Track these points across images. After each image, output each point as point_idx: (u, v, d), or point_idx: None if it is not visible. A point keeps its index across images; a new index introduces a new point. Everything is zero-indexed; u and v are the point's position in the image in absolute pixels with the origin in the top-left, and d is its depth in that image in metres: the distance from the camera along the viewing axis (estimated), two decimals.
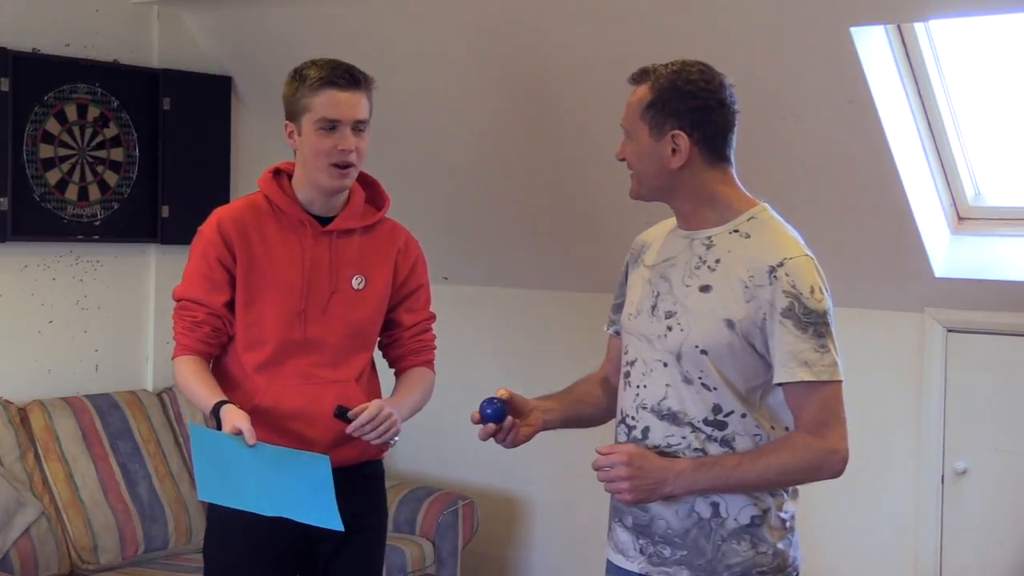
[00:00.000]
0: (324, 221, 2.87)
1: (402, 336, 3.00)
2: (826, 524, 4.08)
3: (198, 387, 2.80)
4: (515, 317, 5.00)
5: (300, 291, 2.83)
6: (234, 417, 2.67)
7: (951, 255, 3.92)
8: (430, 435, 5.14)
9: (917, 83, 3.74)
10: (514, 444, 2.54)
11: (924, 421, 4.02)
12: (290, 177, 2.91)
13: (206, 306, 2.84)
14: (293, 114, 2.84)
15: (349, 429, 2.73)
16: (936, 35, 3.68)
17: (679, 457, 2.38)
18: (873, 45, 3.54)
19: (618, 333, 2.64)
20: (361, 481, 2.92)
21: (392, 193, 3.02)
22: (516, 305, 4.99)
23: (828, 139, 3.74)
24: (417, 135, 4.56)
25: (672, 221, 2.54)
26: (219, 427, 2.71)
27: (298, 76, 2.83)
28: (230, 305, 2.85)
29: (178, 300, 2.90)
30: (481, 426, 2.53)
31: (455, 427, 5.06)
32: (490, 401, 2.53)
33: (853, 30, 3.41)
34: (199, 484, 2.71)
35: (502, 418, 2.51)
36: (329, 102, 2.77)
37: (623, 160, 2.46)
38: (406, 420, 2.87)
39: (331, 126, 2.78)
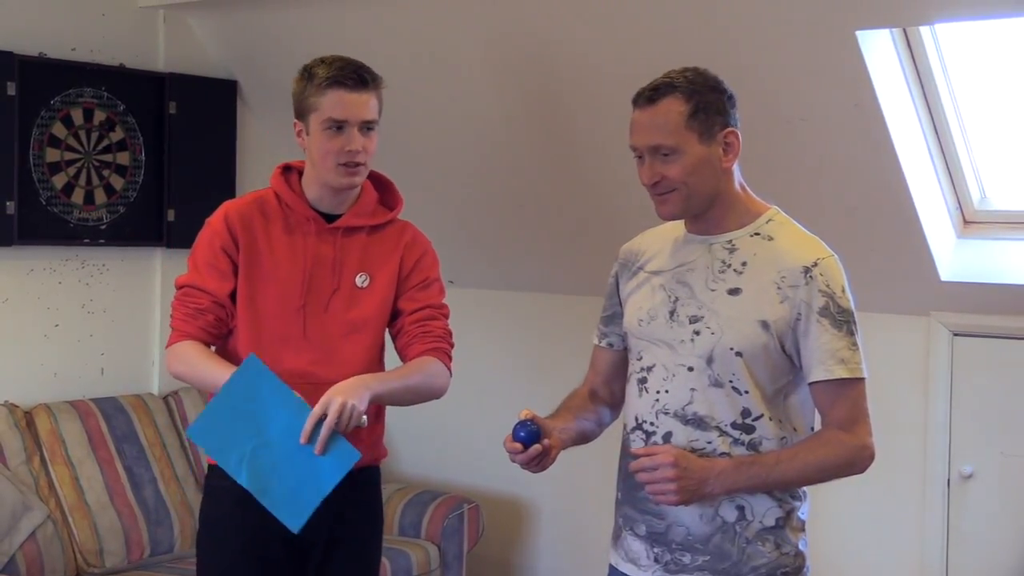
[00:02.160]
0: (332, 219, 2.85)
1: (404, 323, 2.88)
2: (832, 527, 4.07)
3: (210, 364, 2.74)
4: (522, 321, 5.00)
5: (301, 287, 2.79)
6: None
7: (957, 259, 3.92)
8: (435, 439, 5.14)
9: (923, 87, 3.74)
10: (544, 468, 2.45)
11: (930, 425, 4.02)
12: (300, 174, 2.88)
13: (211, 294, 2.78)
14: (301, 112, 2.80)
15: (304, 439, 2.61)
16: (942, 39, 3.68)
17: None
18: (879, 49, 3.54)
19: (611, 345, 2.63)
20: (357, 489, 2.83)
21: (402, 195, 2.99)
22: (523, 309, 4.99)
23: (834, 143, 3.74)
24: (426, 138, 4.56)
25: (665, 227, 2.55)
26: None
27: (307, 74, 2.79)
28: (234, 296, 2.81)
29: (181, 287, 2.83)
30: (515, 452, 2.40)
31: (460, 431, 5.09)
32: (523, 424, 2.40)
33: (859, 34, 3.41)
34: (199, 419, 2.69)
35: (538, 440, 2.40)
36: (336, 102, 2.73)
37: (656, 183, 2.39)
38: (393, 399, 2.78)
39: (338, 126, 2.74)
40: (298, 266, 2.80)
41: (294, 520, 2.63)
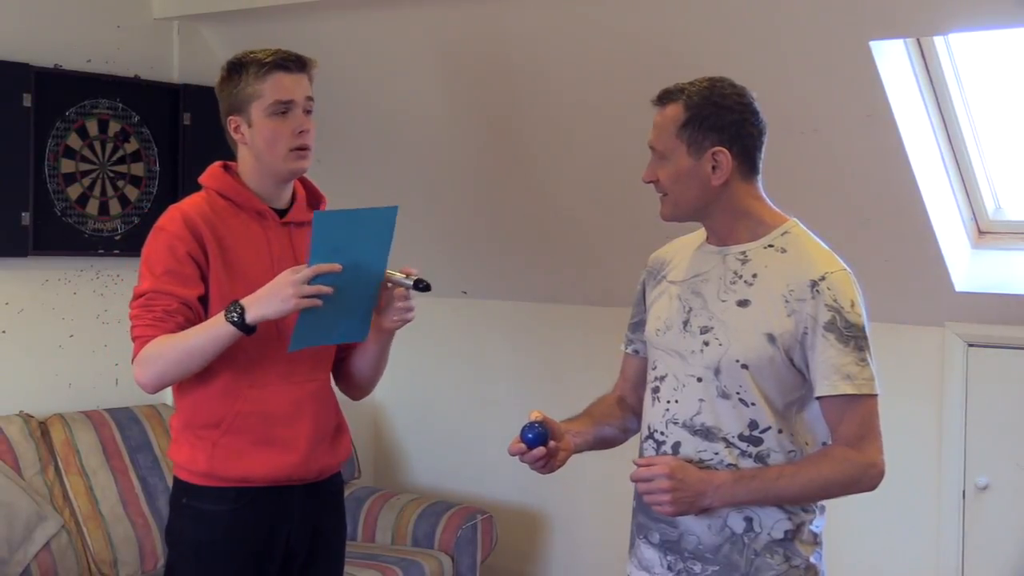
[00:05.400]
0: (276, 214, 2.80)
1: None
2: (848, 539, 4.06)
3: (191, 334, 2.60)
4: (534, 331, 5.00)
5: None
6: (279, 280, 2.54)
7: (971, 269, 3.91)
8: (449, 449, 5.14)
9: (937, 97, 3.74)
10: (552, 470, 2.46)
11: (945, 436, 4.01)
12: (236, 173, 2.82)
13: (179, 297, 2.64)
14: (238, 106, 2.75)
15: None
16: (955, 49, 3.68)
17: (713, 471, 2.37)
18: (892, 59, 3.54)
19: (637, 352, 2.63)
20: (329, 496, 2.85)
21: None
22: (535, 319, 4.99)
23: (848, 153, 3.74)
24: (436, 146, 4.57)
25: (693, 236, 2.55)
26: (246, 329, 2.55)
27: (237, 67, 2.76)
28: (201, 302, 2.68)
29: (141, 294, 2.66)
30: (520, 452, 2.41)
31: (474, 441, 5.09)
32: (531, 426, 2.41)
33: (872, 44, 3.41)
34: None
35: (545, 442, 2.40)
36: (279, 85, 2.71)
37: (651, 182, 2.43)
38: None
39: (284, 109, 2.72)
40: (264, 263, 2.73)
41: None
